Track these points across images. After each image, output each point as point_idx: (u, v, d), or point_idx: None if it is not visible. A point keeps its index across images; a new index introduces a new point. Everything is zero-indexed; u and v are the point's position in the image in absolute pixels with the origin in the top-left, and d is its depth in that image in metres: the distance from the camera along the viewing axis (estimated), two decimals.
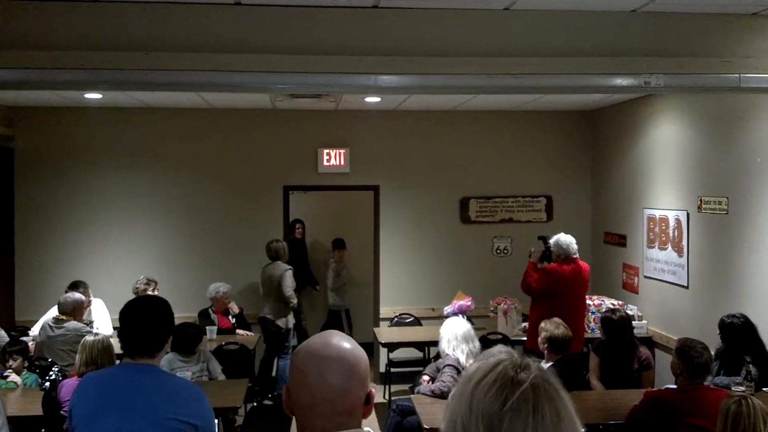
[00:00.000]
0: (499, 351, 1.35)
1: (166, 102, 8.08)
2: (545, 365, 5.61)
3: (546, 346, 5.53)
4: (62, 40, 4.45)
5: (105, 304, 7.54)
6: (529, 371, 1.28)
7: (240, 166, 8.68)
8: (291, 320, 8.16)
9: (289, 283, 7.91)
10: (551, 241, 6.60)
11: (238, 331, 7.84)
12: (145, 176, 8.57)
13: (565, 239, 6.49)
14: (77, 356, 4.81)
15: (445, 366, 5.47)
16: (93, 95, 7.32)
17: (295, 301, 8.05)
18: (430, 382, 5.59)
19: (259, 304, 8.28)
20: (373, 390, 1.78)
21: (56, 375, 5.30)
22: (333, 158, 8.77)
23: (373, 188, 8.95)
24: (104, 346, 4.72)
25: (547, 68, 3.85)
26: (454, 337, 5.63)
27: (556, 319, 5.56)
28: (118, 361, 5.08)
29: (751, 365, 5.17)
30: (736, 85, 4.02)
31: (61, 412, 4.67)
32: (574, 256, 6.52)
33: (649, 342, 7.35)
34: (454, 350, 5.57)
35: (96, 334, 5.01)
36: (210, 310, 7.90)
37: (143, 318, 2.94)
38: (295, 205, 9.27)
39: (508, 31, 3.99)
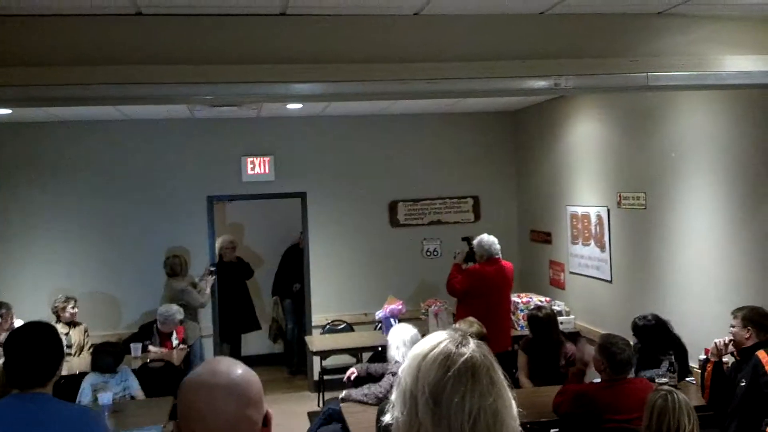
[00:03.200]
0: (441, 333, 1.54)
1: (80, 115, 7.84)
2: None
3: None
4: None
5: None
6: (468, 346, 1.48)
7: (162, 178, 8.48)
8: (193, 336, 7.96)
9: (194, 297, 7.95)
10: (474, 242, 6.64)
11: (150, 347, 7.53)
12: (64, 191, 8.29)
13: (488, 240, 6.54)
14: None
15: (388, 373, 5.43)
16: (1, 111, 7.03)
17: (205, 302, 8.12)
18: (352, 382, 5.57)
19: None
20: (270, 411, 1.73)
21: None
22: (257, 166, 8.65)
23: (300, 195, 8.86)
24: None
25: (459, 73, 3.85)
26: (402, 343, 5.56)
27: (470, 318, 5.57)
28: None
29: (672, 357, 5.30)
30: (644, 84, 4.09)
31: None
32: (497, 256, 6.57)
33: (577, 336, 7.47)
34: (403, 356, 5.52)
35: None
36: (155, 328, 7.61)
37: (32, 346, 2.79)
38: (225, 215, 9.10)
39: (419, 37, 3.97)
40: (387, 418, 1.53)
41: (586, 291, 7.53)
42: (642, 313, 5.65)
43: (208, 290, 8.17)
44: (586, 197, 7.42)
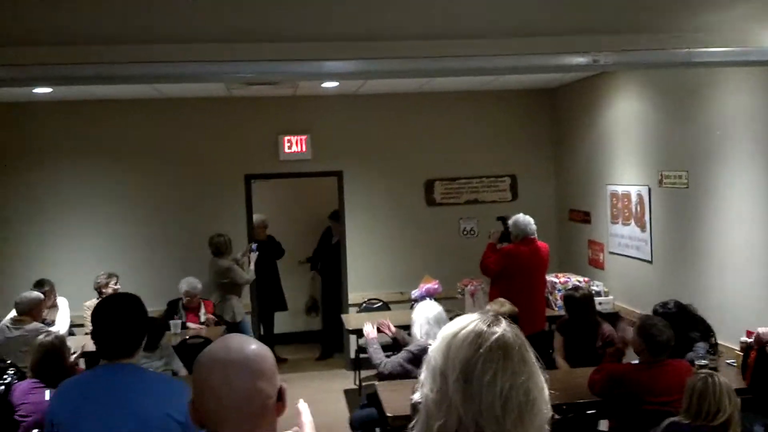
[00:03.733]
0: (472, 314, 1.53)
1: (119, 94, 7.92)
2: None
3: None
4: (9, 37, 4.31)
5: (68, 300, 7.39)
6: (500, 326, 1.47)
7: (199, 157, 8.54)
8: (240, 313, 8.08)
9: (240, 275, 7.97)
10: (509, 221, 6.57)
11: (189, 325, 7.61)
12: (102, 170, 8.42)
13: (523, 220, 6.47)
14: (30, 358, 4.70)
15: (405, 350, 5.40)
16: (42, 90, 7.14)
17: (251, 278, 8.16)
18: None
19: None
20: (284, 385, 1.74)
21: (11, 377, 5.16)
22: (294, 145, 8.66)
23: (336, 174, 8.86)
24: (56, 346, 4.61)
25: (495, 49, 3.78)
26: (426, 321, 5.54)
27: (501, 299, 5.52)
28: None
29: (713, 338, 5.19)
30: (685, 60, 3.98)
31: (15, 416, 4.55)
32: (532, 237, 6.49)
33: (617, 317, 7.37)
34: (426, 335, 5.50)
35: (48, 333, 4.87)
36: (180, 304, 7.75)
37: (117, 318, 2.82)
38: (256, 195, 9.13)
39: (454, 13, 3.90)
40: (416, 397, 1.53)
41: (626, 271, 7.41)
42: (678, 296, 5.53)
43: (252, 266, 8.24)
44: (627, 176, 7.28)
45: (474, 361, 1.43)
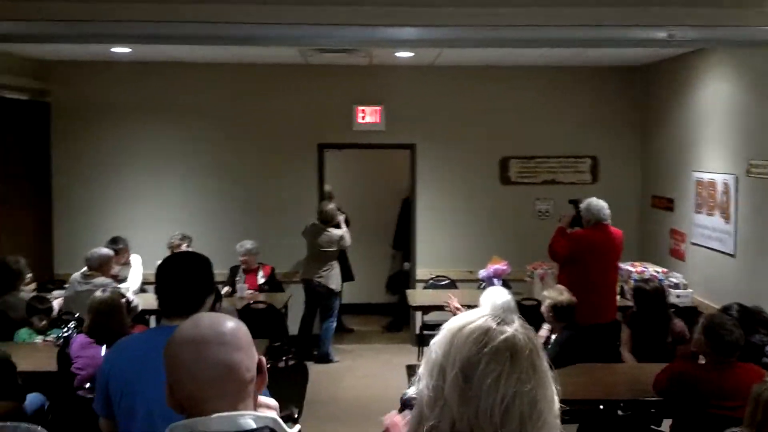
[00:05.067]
0: (483, 309, 1.44)
1: (196, 57, 7.98)
2: (546, 333, 5.36)
3: (551, 314, 5.27)
4: None
5: (141, 258, 7.54)
6: (511, 325, 1.35)
7: (273, 123, 8.55)
8: (339, 283, 8.18)
9: (347, 241, 8.15)
10: (582, 205, 6.27)
11: (246, 292, 7.65)
12: (178, 132, 8.54)
13: (597, 204, 6.15)
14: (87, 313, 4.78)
15: None
16: (121, 49, 7.24)
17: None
18: None
19: (292, 265, 8.38)
20: (263, 358, 1.68)
21: (71, 330, 5.30)
22: (368, 115, 8.54)
23: (409, 147, 8.70)
24: (111, 303, 4.65)
25: (557, 19, 3.51)
26: (492, 307, 5.36)
27: (560, 286, 5.31)
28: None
29: None
30: None
31: (72, 369, 4.64)
32: (606, 222, 6.16)
33: (695, 312, 6.97)
34: None
35: (104, 289, 4.93)
36: (240, 269, 7.85)
37: (181, 275, 2.70)
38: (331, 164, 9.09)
39: None
40: (411, 392, 1.41)
41: (707, 264, 7.00)
42: (760, 293, 5.17)
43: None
44: (714, 163, 6.83)
45: (476, 360, 1.32)
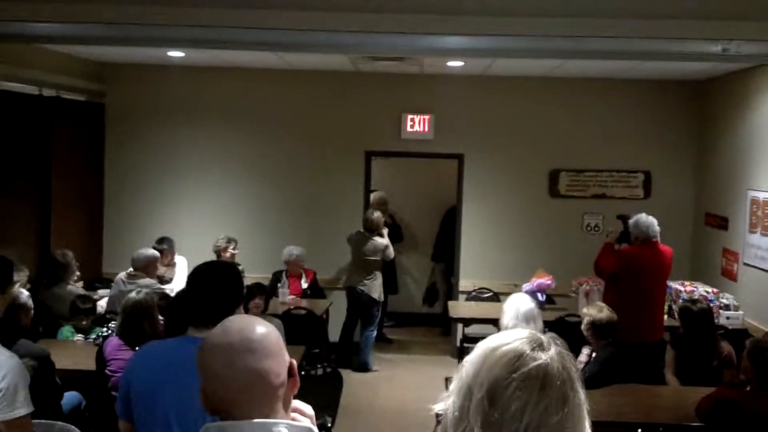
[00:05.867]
0: (522, 331, 1.37)
1: (248, 62, 8.06)
2: (586, 358, 5.22)
3: (590, 332, 5.14)
4: None
5: (187, 260, 7.62)
6: (546, 352, 1.30)
7: (321, 129, 8.57)
8: (381, 292, 8.16)
9: (390, 254, 8.09)
10: (630, 221, 6.11)
11: (288, 298, 7.66)
12: (228, 136, 8.62)
13: (645, 220, 5.98)
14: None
15: None
16: (175, 53, 7.36)
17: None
18: None
19: (335, 272, 8.41)
20: (293, 361, 1.69)
21: (109, 331, 5.35)
22: (417, 124, 8.50)
23: (457, 156, 8.63)
24: (144, 305, 4.67)
25: (608, 31, 3.43)
26: (516, 314, 5.22)
27: (600, 303, 5.16)
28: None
29: None
30: None
31: (106, 370, 4.67)
32: (655, 239, 5.99)
33: (745, 335, 6.73)
34: (513, 328, 5.22)
35: (139, 291, 4.96)
36: (284, 274, 7.88)
37: (211, 285, 2.72)
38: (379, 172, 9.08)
39: None
40: (439, 407, 1.39)
41: (760, 286, 6.76)
42: None
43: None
44: None
45: (504, 384, 1.27)
